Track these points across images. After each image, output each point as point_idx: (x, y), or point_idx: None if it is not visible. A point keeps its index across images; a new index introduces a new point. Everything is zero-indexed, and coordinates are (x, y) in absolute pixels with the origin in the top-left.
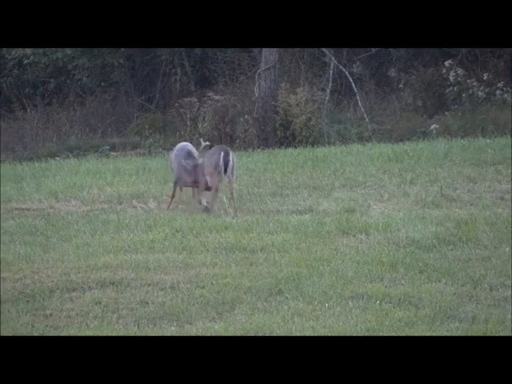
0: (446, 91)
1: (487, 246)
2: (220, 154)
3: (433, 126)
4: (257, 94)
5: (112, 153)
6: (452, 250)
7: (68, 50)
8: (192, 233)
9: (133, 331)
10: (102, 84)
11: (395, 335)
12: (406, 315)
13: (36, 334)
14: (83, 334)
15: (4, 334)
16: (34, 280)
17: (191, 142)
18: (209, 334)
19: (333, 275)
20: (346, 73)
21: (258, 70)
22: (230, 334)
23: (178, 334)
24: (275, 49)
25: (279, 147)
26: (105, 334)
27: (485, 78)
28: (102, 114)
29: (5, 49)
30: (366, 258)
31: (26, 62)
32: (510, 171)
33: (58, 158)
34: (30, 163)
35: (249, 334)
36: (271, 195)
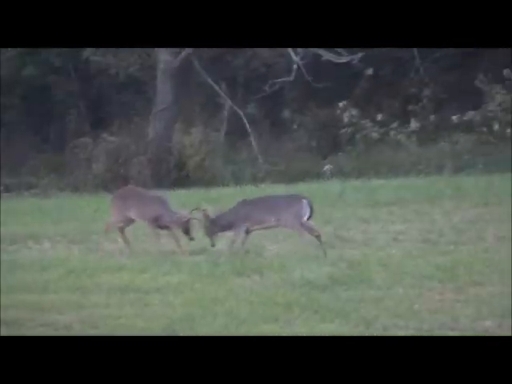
0: (340, 132)
1: (380, 287)
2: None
3: (327, 167)
4: (151, 135)
5: (5, 193)
6: (345, 290)
7: None
8: (86, 273)
9: None
10: None
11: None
12: None
13: None
14: None
15: None
16: None
17: (85, 184)
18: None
19: (227, 316)
20: (241, 113)
21: (153, 111)
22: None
23: None
24: (170, 89)
25: (173, 188)
26: None
27: (379, 118)
28: None
29: None
30: (261, 298)
31: None
32: (403, 211)
33: None
34: None
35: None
36: (166, 236)
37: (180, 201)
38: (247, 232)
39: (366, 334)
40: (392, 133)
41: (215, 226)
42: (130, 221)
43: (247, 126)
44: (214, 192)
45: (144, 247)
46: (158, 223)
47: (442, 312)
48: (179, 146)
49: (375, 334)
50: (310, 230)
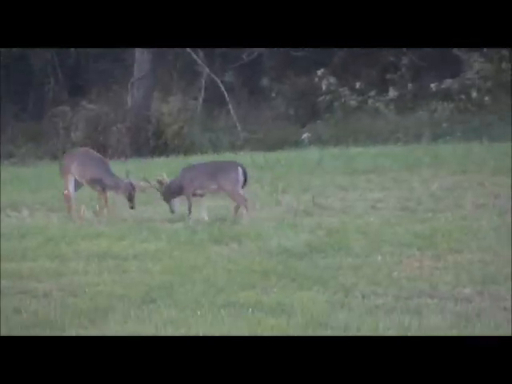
0: (319, 100)
1: (358, 254)
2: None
3: (305, 135)
4: (130, 104)
5: None
6: (324, 258)
7: None
8: (64, 240)
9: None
10: None
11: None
12: (278, 323)
13: None
14: None
15: None
16: None
17: (64, 152)
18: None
19: (205, 283)
20: (218, 82)
21: (131, 79)
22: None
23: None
24: (148, 58)
25: (152, 156)
26: None
27: (357, 86)
28: None
29: None
30: (238, 266)
31: None
32: (381, 179)
33: None
34: None
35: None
36: (144, 204)
37: (159, 169)
38: (194, 195)
39: (345, 302)
40: (370, 101)
41: (169, 191)
42: (78, 182)
43: (225, 94)
44: (193, 160)
45: (120, 214)
46: (100, 186)
47: (421, 279)
48: (157, 114)
49: (353, 301)
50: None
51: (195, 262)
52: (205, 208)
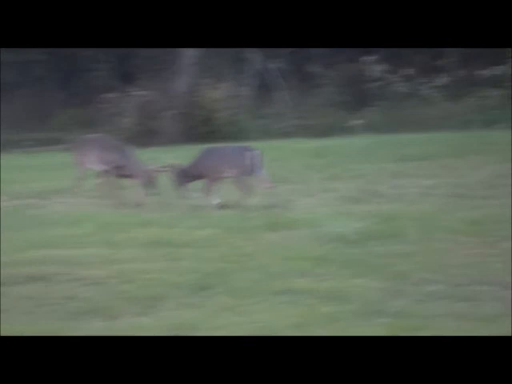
0: (369, 87)
1: (411, 242)
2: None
3: (356, 122)
4: (179, 90)
5: (36, 148)
6: (377, 245)
7: None
8: (118, 228)
9: (59, 326)
10: (25, 79)
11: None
12: (333, 310)
13: None
14: (10, 330)
15: None
16: None
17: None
18: (135, 330)
19: (259, 270)
20: (269, 68)
21: (182, 65)
22: (156, 329)
23: (104, 329)
24: None
25: (202, 142)
26: (32, 329)
27: (408, 73)
28: (25, 109)
29: None
30: (292, 253)
31: None
32: (432, 166)
33: None
34: None
35: (175, 329)
36: (196, 191)
37: None
38: (214, 180)
39: (398, 289)
40: (421, 88)
41: (185, 176)
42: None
43: (276, 80)
44: None
45: (173, 201)
46: (121, 172)
47: (473, 266)
48: (207, 100)
49: (406, 289)
50: (263, 183)
51: (249, 249)
52: (217, 193)
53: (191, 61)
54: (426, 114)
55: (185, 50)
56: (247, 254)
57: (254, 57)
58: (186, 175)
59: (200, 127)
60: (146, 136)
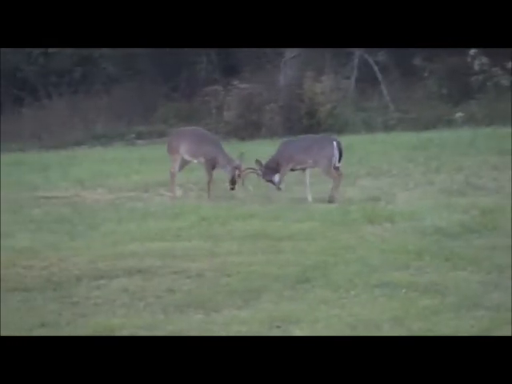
0: (471, 80)
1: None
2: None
3: (458, 115)
4: (282, 83)
5: (138, 141)
6: (477, 238)
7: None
8: (218, 221)
9: (159, 319)
10: (128, 72)
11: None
12: (432, 303)
13: (63, 322)
14: (110, 322)
15: (32, 321)
16: (60, 268)
17: (216, 132)
18: (235, 322)
19: (359, 263)
20: (371, 61)
21: (284, 59)
22: (256, 322)
23: (204, 322)
24: None
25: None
26: (132, 322)
27: (509, 66)
28: (127, 103)
29: None
30: (392, 246)
31: (51, 50)
32: None
33: (84, 147)
34: (56, 151)
35: (275, 322)
36: (297, 184)
37: None
38: (292, 170)
39: (498, 282)
40: None
41: (268, 169)
42: (184, 161)
43: (378, 73)
44: (345, 139)
45: (274, 194)
46: (213, 165)
47: None
48: (310, 93)
49: (507, 282)
50: (338, 173)
51: (349, 242)
52: (308, 188)
53: (294, 54)
54: None
55: None
56: (347, 247)
57: (357, 50)
58: (269, 168)
59: (303, 120)
60: (249, 129)
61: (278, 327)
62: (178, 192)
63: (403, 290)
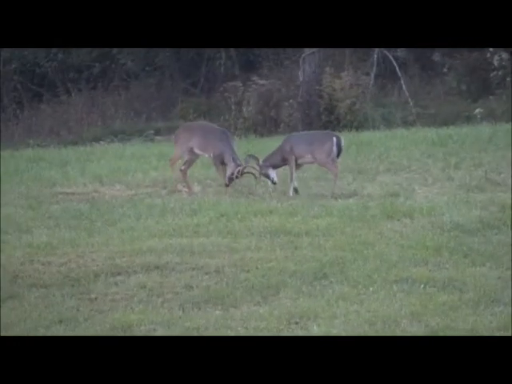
0: (491, 75)
1: None
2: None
3: (477, 110)
4: (301, 79)
5: (157, 137)
6: (496, 234)
7: None
8: (237, 217)
9: (178, 315)
10: (147, 68)
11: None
12: (451, 299)
13: (81, 318)
14: (128, 318)
15: (50, 317)
16: (78, 264)
17: (235, 128)
18: (253, 318)
19: (377, 259)
20: (390, 57)
21: (303, 55)
22: (274, 318)
23: (222, 318)
24: None
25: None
26: (150, 318)
27: None
28: (146, 99)
29: None
30: (411, 241)
31: None
32: None
33: (103, 142)
34: (74, 147)
35: (293, 318)
36: (316, 179)
37: None
38: (296, 165)
39: None
40: None
41: (265, 166)
42: (193, 155)
43: (397, 69)
44: (365, 135)
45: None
46: (220, 160)
47: None
48: (329, 89)
49: None
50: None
51: (367, 238)
52: (294, 183)
53: (313, 50)
54: None
55: None
56: (365, 243)
57: None
58: (270, 164)
59: (322, 116)
60: (267, 125)
61: (297, 323)
62: (196, 188)
63: (422, 286)
